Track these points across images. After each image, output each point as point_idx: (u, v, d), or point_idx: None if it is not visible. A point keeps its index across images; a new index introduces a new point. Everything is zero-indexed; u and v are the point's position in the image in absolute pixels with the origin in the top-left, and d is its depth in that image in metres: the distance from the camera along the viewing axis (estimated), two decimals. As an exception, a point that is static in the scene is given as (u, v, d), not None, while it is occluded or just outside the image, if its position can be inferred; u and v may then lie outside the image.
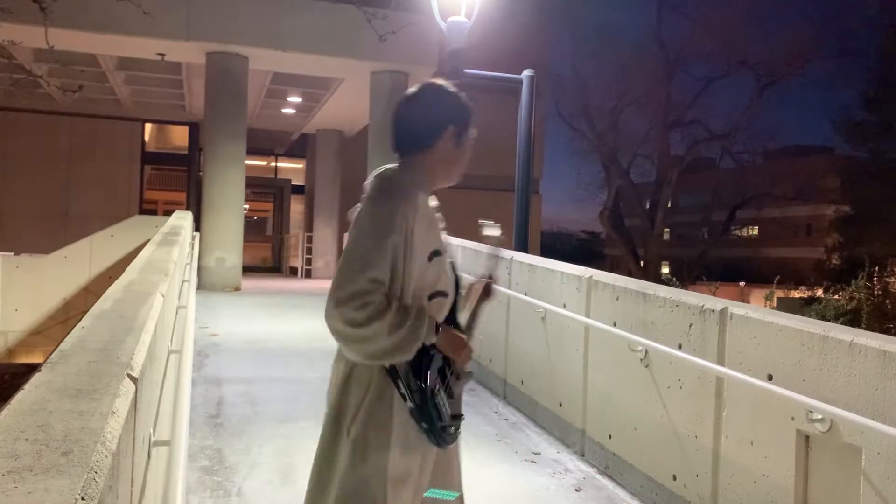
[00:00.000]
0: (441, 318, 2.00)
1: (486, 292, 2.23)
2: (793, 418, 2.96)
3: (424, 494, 2.07)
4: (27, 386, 1.33)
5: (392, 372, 1.93)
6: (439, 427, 1.94)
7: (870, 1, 25.42)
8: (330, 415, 2.02)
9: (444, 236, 2.08)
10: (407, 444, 1.95)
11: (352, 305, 1.84)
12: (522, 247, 7.43)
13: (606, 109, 26.40)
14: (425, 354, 1.93)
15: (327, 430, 2.02)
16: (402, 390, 1.93)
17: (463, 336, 2.02)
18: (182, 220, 8.47)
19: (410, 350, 1.89)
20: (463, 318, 2.16)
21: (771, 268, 28.02)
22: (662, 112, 26.33)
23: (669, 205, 28.65)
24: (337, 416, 1.99)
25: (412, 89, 2.11)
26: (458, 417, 2.01)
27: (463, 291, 2.17)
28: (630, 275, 16.48)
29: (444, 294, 2.01)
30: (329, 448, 1.99)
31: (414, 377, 1.93)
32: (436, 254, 1.98)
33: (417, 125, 2.06)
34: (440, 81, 2.10)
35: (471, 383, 6.38)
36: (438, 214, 2.10)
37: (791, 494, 2.97)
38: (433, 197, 2.11)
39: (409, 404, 1.92)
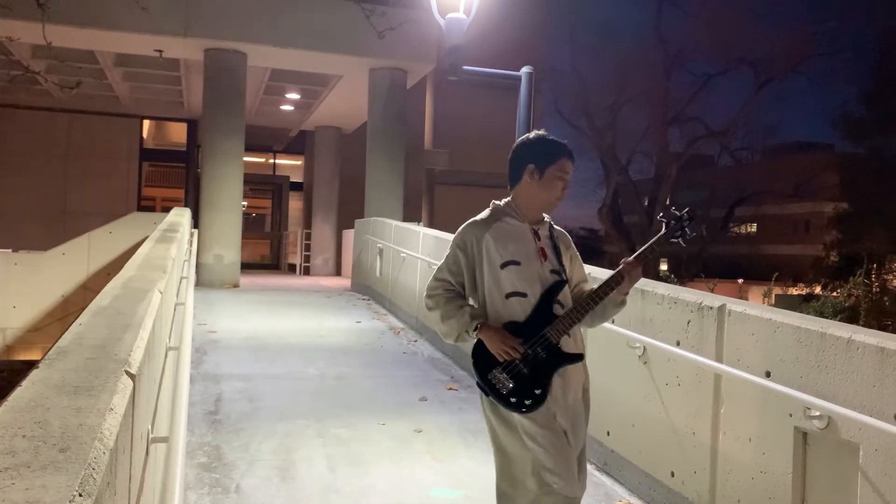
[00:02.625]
0: (523, 311, 2.55)
1: (617, 282, 2.60)
2: (791, 415, 2.97)
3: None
4: (25, 382, 1.32)
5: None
6: (499, 398, 2.53)
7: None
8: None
9: (536, 251, 2.62)
10: (494, 413, 2.60)
11: (427, 294, 2.68)
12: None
13: (605, 106, 26.40)
14: (478, 344, 2.58)
15: None
16: (474, 373, 2.62)
17: (500, 332, 2.53)
18: (180, 216, 8.46)
19: (450, 335, 2.63)
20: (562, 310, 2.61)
21: (769, 265, 27.99)
22: (661, 109, 26.33)
23: (668, 202, 28.64)
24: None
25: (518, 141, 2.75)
26: (521, 392, 2.52)
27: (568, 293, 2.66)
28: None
29: (521, 294, 2.55)
30: None
31: (473, 361, 2.61)
32: (511, 263, 2.56)
33: (512, 166, 2.69)
34: (539, 132, 2.68)
35: (469, 380, 6.39)
36: (562, 236, 2.74)
37: (789, 491, 2.98)
38: (544, 223, 2.70)
39: (477, 381, 2.61)
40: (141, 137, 21.20)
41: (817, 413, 2.78)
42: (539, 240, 2.65)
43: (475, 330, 2.55)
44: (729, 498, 3.33)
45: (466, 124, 22.82)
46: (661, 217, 2.67)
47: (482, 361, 2.58)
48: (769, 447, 3.09)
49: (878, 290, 15.03)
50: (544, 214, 2.71)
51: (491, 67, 9.03)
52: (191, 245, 8.61)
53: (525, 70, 7.98)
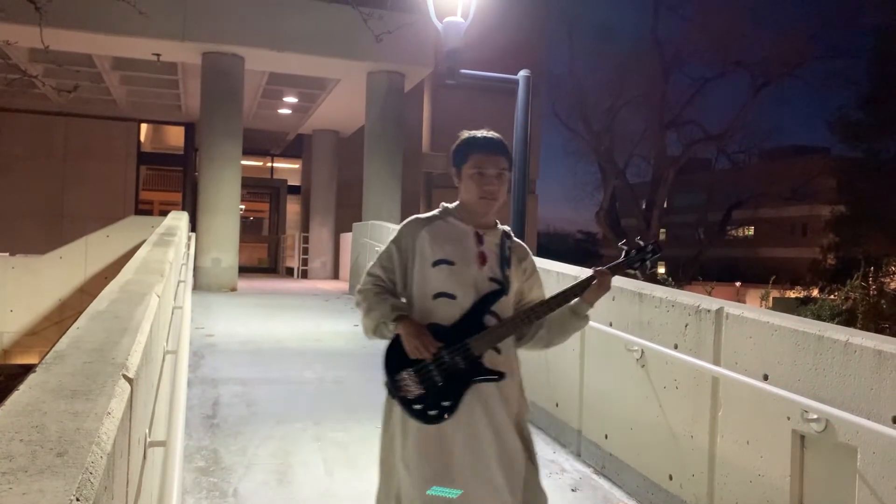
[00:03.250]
0: (450, 315, 2.35)
1: (580, 291, 2.44)
2: (788, 418, 2.97)
3: (427, 492, 2.23)
4: (22, 387, 1.32)
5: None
6: (404, 402, 2.33)
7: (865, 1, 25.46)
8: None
9: (469, 253, 2.42)
10: (388, 419, 2.44)
11: (357, 291, 2.52)
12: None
13: (603, 110, 26.45)
14: (395, 340, 2.37)
15: None
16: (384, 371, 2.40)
17: (419, 328, 2.33)
18: (178, 220, 8.46)
19: (369, 328, 2.46)
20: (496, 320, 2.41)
21: (766, 268, 28.07)
22: (658, 112, 26.38)
23: (665, 205, 28.70)
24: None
25: None
26: (429, 401, 2.31)
27: (507, 301, 2.43)
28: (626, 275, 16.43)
29: (449, 296, 2.36)
30: None
31: (385, 357, 2.40)
32: (443, 262, 2.38)
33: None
34: (463, 134, 2.53)
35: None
36: (519, 248, 2.51)
37: (786, 494, 2.98)
38: (495, 230, 2.49)
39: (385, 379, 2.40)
40: (138, 141, 21.19)
41: (815, 416, 2.79)
42: (481, 244, 2.43)
43: (394, 321, 2.35)
44: (727, 501, 3.33)
45: (464, 128, 22.17)
46: (622, 244, 2.53)
47: (395, 359, 2.37)
48: (767, 450, 3.09)
49: (875, 293, 15.04)
50: (496, 221, 2.51)
51: (488, 71, 9.04)
52: (188, 249, 8.61)
53: (522, 74, 7.99)
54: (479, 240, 2.44)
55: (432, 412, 2.29)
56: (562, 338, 2.50)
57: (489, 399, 2.32)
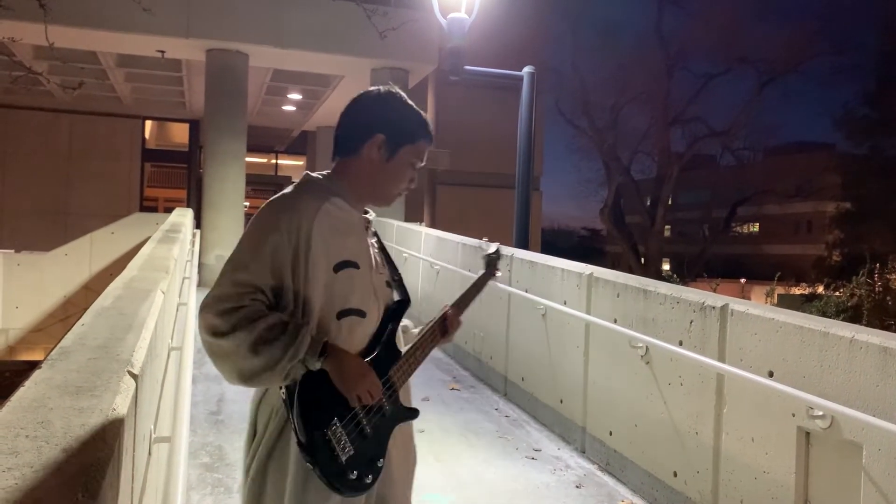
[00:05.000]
0: (359, 341, 1.76)
1: (442, 332, 1.96)
2: (793, 415, 2.96)
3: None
4: (27, 383, 1.33)
5: (288, 398, 1.66)
6: (334, 471, 1.64)
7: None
8: (247, 434, 1.83)
9: (369, 250, 1.86)
10: (304, 492, 1.68)
11: (215, 310, 1.60)
12: (523, 244, 7.43)
13: (607, 106, 26.39)
14: (309, 381, 1.65)
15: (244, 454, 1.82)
16: (294, 423, 1.64)
17: (358, 362, 1.70)
18: (182, 217, 8.47)
19: (280, 373, 1.61)
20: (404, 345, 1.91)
21: (772, 265, 27.99)
22: (663, 109, 26.31)
23: (670, 202, 28.63)
24: (248, 439, 1.82)
25: (358, 94, 1.94)
26: (361, 462, 1.69)
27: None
28: (631, 272, 16.48)
29: (358, 313, 1.75)
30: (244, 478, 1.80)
31: (297, 407, 1.64)
32: (347, 265, 1.74)
33: (346, 130, 1.88)
34: (392, 89, 1.90)
35: (472, 380, 6.39)
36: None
37: (792, 491, 2.97)
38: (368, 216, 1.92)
39: (298, 438, 1.64)
40: (143, 138, 21.24)
41: (820, 413, 2.78)
42: (371, 237, 1.89)
43: (321, 356, 1.64)
44: (732, 498, 3.33)
45: (468, 124, 22.83)
46: (486, 255, 2.27)
47: (314, 408, 1.65)
48: (772, 447, 3.09)
49: (880, 289, 15.00)
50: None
51: (492, 67, 9.03)
52: (193, 245, 8.62)
53: (527, 70, 7.98)
54: (367, 230, 1.89)
55: (368, 478, 1.71)
56: None
57: (406, 443, 1.93)
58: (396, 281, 1.91)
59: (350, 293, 1.74)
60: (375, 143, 1.83)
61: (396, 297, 1.90)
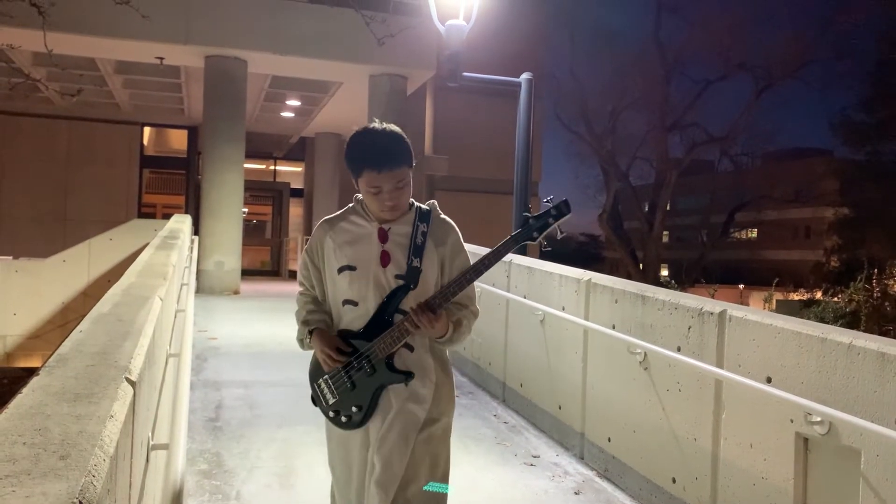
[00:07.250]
0: (356, 323, 2.37)
1: (425, 309, 2.28)
2: (792, 421, 2.96)
3: (423, 487, 2.29)
4: (25, 390, 1.32)
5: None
6: (323, 409, 2.44)
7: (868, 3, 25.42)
8: None
9: (361, 253, 2.37)
10: (327, 423, 2.49)
11: (296, 300, 2.56)
12: (521, 250, 7.44)
13: (605, 112, 26.45)
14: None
15: None
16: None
17: (326, 339, 2.37)
18: (181, 223, 8.47)
19: (302, 344, 2.50)
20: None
21: (770, 270, 28.01)
22: (661, 115, 26.38)
23: (668, 207, 28.70)
24: None
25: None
26: (342, 406, 2.38)
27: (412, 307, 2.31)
28: (629, 277, 16.47)
29: (352, 303, 2.38)
30: None
31: (309, 367, 2.50)
32: (346, 268, 2.37)
33: None
34: (362, 127, 2.35)
35: (470, 386, 6.39)
36: (438, 230, 2.40)
37: (790, 497, 2.97)
38: (406, 216, 2.39)
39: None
40: (141, 144, 21.23)
41: (818, 419, 2.78)
42: (385, 242, 2.35)
43: (309, 334, 2.42)
44: (730, 504, 3.33)
45: (466, 130, 22.86)
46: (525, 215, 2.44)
47: (314, 369, 2.48)
48: (770, 453, 3.09)
49: (878, 295, 15.01)
50: (410, 203, 2.41)
51: (491, 74, 9.06)
52: (191, 252, 8.62)
53: (525, 76, 8.00)
54: (384, 237, 2.36)
55: (344, 418, 2.38)
56: (451, 346, 2.43)
57: (405, 402, 2.33)
58: (403, 274, 2.34)
59: (347, 288, 2.38)
60: (355, 176, 2.35)
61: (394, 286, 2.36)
